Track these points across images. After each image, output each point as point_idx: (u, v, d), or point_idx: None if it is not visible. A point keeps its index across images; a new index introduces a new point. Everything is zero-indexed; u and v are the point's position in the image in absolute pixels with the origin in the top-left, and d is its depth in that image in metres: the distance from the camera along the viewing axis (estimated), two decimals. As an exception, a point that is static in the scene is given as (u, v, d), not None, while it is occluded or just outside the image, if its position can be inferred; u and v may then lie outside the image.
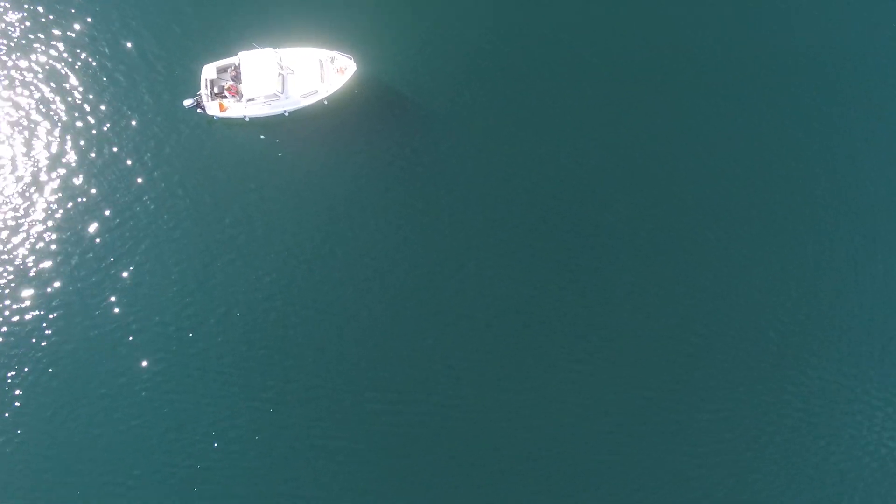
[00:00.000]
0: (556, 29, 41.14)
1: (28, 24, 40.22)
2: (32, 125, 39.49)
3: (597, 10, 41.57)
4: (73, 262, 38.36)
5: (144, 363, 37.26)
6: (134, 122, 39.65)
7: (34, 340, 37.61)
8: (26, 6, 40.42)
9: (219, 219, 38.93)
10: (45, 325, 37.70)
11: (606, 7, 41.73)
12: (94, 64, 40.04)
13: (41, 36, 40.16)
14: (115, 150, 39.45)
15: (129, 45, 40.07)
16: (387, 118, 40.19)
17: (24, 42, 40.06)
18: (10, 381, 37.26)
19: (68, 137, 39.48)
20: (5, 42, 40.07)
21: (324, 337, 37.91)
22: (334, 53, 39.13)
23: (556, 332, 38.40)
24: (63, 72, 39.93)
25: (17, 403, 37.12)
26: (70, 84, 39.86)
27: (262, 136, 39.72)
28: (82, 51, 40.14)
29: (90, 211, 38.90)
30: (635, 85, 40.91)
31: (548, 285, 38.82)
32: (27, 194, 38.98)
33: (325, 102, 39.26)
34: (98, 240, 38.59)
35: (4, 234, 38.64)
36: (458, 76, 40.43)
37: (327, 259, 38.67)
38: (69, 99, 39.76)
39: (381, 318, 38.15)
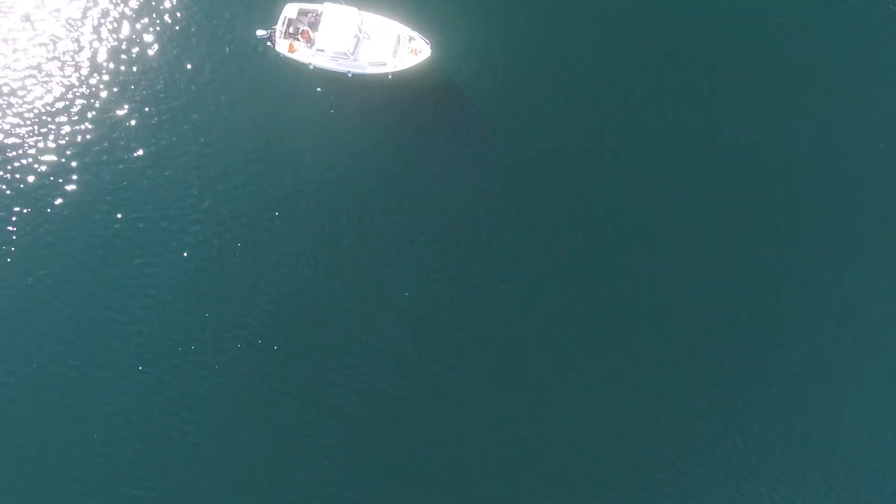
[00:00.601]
0: (631, 55, 40.72)
1: None
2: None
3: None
4: (103, 146, 39.20)
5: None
6: (205, 37, 40.14)
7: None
8: None
9: (250, 148, 39.41)
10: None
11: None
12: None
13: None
14: (177, 52, 40.03)
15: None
16: (443, 111, 40.12)
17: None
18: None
19: (139, 31, 40.16)
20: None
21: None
22: (415, 34, 39.07)
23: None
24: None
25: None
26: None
27: (318, 89, 39.91)
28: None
29: (139, 101, 39.73)
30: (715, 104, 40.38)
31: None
32: (92, 80, 39.89)
33: (390, 77, 39.27)
34: (133, 131, 39.44)
35: (74, 126, 39.59)
36: (526, 95, 40.12)
37: (338, 225, 39.01)
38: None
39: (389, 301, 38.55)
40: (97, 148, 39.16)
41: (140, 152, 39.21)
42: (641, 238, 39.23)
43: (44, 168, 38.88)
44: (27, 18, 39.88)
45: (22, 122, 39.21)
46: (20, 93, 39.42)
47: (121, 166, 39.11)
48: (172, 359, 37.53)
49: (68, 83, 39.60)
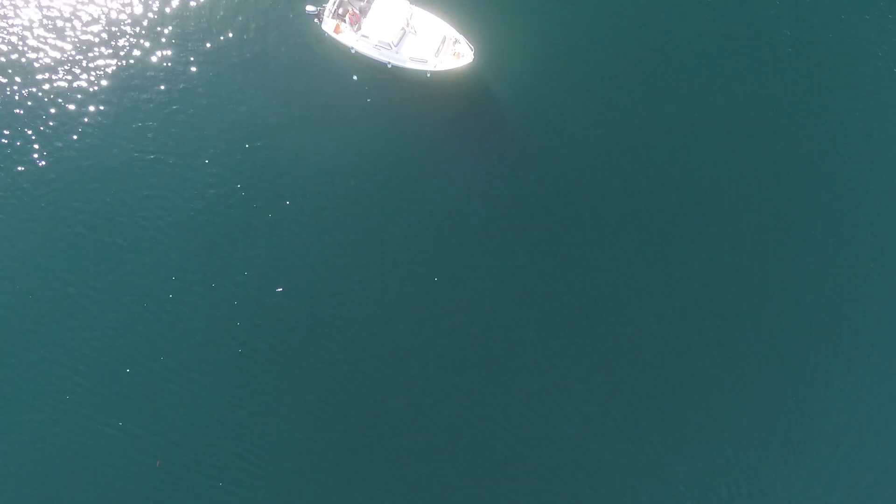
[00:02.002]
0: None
1: None
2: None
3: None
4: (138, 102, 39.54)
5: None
6: (255, 2, 40.38)
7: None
8: None
9: (277, 124, 39.45)
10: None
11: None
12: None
13: None
14: (222, 14, 40.29)
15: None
16: (476, 118, 39.94)
17: None
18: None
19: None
20: None
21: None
22: (461, 37, 39.00)
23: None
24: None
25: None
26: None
27: (354, 77, 39.96)
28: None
29: (181, 48, 40.23)
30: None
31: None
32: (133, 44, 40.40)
33: (428, 75, 39.20)
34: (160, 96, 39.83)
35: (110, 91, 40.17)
36: (562, 117, 39.72)
37: (354, 214, 38.80)
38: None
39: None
40: (131, 86, 39.68)
41: (171, 95, 39.60)
42: (670, 268, 38.52)
43: (78, 96, 39.43)
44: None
45: (62, 53, 39.91)
46: (69, 27, 39.98)
47: (151, 107, 39.44)
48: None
49: (116, 28, 40.19)
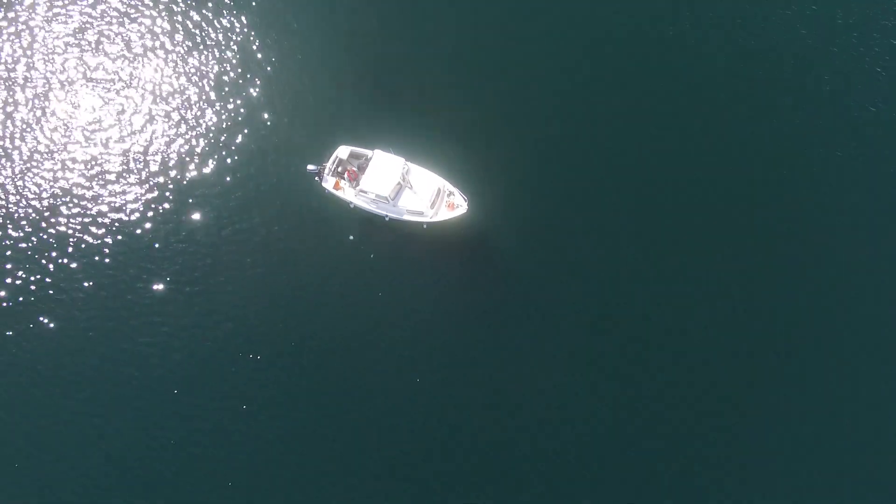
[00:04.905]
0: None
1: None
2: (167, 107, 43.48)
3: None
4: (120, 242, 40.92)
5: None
6: (261, 161, 42.91)
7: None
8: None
9: (273, 270, 40.77)
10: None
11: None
12: (257, 103, 44.02)
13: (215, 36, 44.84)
14: (226, 173, 42.47)
15: (288, 109, 44.17)
16: (469, 270, 40.86)
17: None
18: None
19: (198, 137, 43.02)
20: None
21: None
22: (455, 189, 40.68)
23: None
24: (228, 85, 44.06)
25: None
26: (228, 95, 43.83)
27: (351, 237, 41.55)
28: (246, 86, 44.29)
29: (176, 208, 41.94)
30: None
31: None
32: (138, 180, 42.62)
33: (424, 227, 40.50)
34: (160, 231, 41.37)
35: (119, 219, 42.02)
36: (554, 267, 40.65)
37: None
38: (217, 110, 43.60)
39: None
40: (134, 249, 41.11)
41: (170, 244, 41.12)
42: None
43: (82, 252, 40.77)
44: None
45: (83, 186, 41.75)
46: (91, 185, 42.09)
47: (158, 268, 40.58)
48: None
49: (128, 164, 42.49)
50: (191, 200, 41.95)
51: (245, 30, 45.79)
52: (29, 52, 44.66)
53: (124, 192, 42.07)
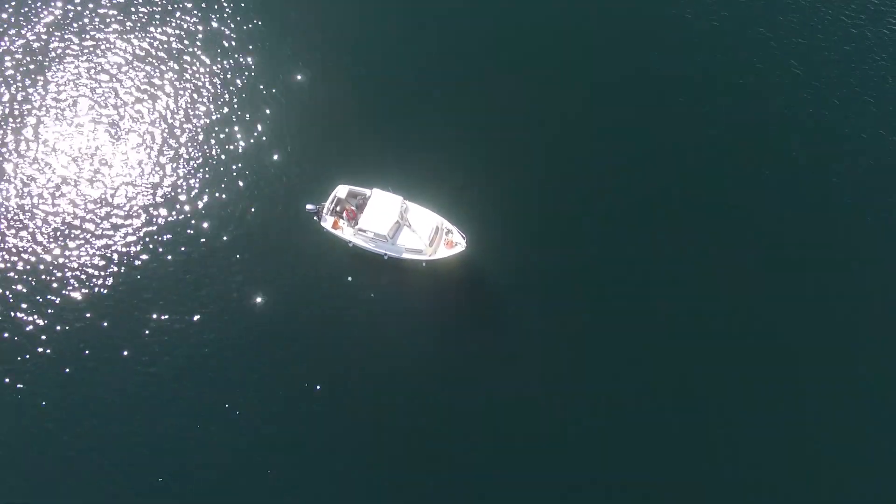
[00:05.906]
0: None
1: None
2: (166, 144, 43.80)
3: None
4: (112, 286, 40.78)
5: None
6: (259, 199, 43.05)
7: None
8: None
9: (271, 309, 40.45)
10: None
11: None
12: (258, 143, 44.32)
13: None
14: (226, 213, 42.56)
15: (288, 149, 44.48)
16: (468, 308, 40.49)
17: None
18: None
19: (197, 181, 43.20)
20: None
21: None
22: (453, 228, 40.62)
23: None
24: (226, 135, 44.41)
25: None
26: (230, 146, 44.14)
27: (349, 278, 41.26)
28: (247, 127, 44.66)
29: (176, 239, 41.95)
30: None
31: None
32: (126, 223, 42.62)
33: (423, 265, 40.37)
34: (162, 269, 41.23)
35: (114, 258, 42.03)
36: (552, 307, 40.30)
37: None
38: (219, 154, 43.89)
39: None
40: (131, 295, 40.94)
41: (166, 276, 41.11)
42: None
43: (80, 293, 40.59)
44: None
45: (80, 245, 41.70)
46: (77, 224, 42.20)
47: (150, 312, 40.30)
48: None
49: (127, 197, 42.45)
50: (187, 236, 41.97)
51: (246, 71, 46.40)
52: (31, 89, 45.32)
53: (122, 226, 42.17)
